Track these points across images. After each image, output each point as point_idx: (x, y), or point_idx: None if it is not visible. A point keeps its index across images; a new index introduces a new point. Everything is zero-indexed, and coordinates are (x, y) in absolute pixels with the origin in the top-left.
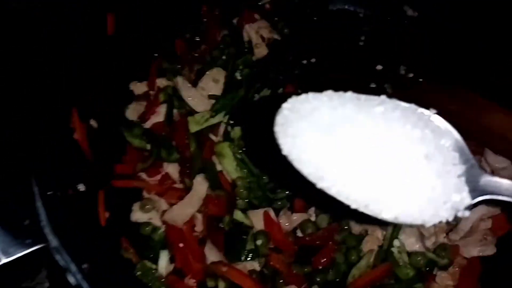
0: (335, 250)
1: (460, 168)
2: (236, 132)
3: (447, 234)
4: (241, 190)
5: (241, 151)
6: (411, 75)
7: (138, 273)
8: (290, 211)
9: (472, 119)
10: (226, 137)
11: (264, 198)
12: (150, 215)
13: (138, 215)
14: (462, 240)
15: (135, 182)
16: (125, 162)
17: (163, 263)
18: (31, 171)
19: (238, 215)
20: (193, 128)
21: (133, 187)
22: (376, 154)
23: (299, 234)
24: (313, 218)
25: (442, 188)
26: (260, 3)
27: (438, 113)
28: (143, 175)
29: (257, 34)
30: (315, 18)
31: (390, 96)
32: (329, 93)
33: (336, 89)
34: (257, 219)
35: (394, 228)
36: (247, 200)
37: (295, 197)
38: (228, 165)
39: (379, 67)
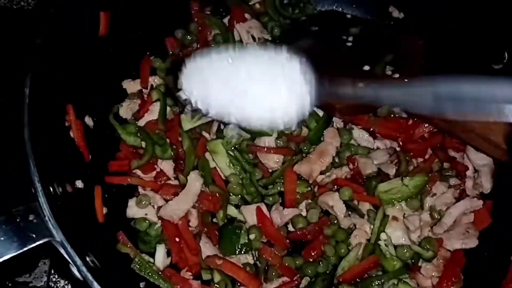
0: (325, 244)
1: (305, 86)
2: (229, 130)
3: (431, 228)
4: (234, 186)
5: (234, 148)
6: (397, 75)
7: (136, 266)
8: (282, 206)
9: (456, 119)
10: (219, 134)
11: (257, 194)
12: (146, 210)
13: (134, 211)
14: (446, 234)
15: (130, 179)
16: (119, 159)
17: (160, 257)
18: (33, 167)
19: (232, 210)
20: (186, 126)
21: (129, 184)
22: (250, 85)
23: (291, 228)
24: (304, 213)
25: (293, 102)
26: (250, 3)
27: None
28: (138, 172)
29: (248, 33)
30: (304, 18)
31: None
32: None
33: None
34: (249, 214)
35: (381, 222)
36: (240, 196)
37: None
38: (221, 162)
39: (366, 67)
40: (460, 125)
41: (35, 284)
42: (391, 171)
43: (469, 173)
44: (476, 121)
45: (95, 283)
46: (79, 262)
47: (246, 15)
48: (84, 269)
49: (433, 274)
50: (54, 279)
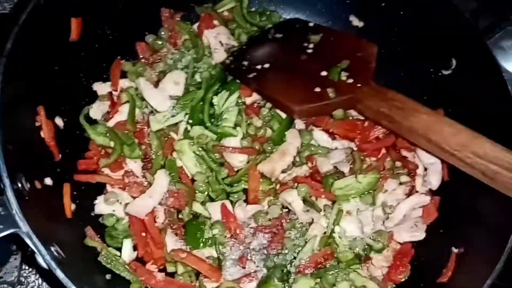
0: (285, 237)
1: None
2: (195, 130)
3: (383, 222)
4: (200, 184)
5: (200, 148)
6: (350, 80)
7: (103, 259)
8: (245, 203)
9: (399, 120)
10: (186, 135)
11: (222, 192)
12: (114, 207)
13: (102, 207)
14: (396, 227)
15: (98, 177)
16: (88, 158)
17: (126, 251)
18: (1, 164)
19: (197, 207)
20: (155, 126)
21: (97, 182)
22: None
23: (253, 223)
24: (265, 209)
25: None
26: (219, 11)
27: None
28: (107, 171)
29: (215, 39)
30: (269, 25)
31: None
32: None
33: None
34: (214, 211)
35: (337, 217)
36: (205, 194)
37: None
38: (188, 161)
39: (323, 73)
40: (405, 126)
41: (5, 279)
42: (346, 169)
43: (419, 171)
44: (419, 123)
45: (58, 271)
46: (43, 251)
47: (215, 22)
48: (48, 257)
49: (383, 264)
50: (24, 274)
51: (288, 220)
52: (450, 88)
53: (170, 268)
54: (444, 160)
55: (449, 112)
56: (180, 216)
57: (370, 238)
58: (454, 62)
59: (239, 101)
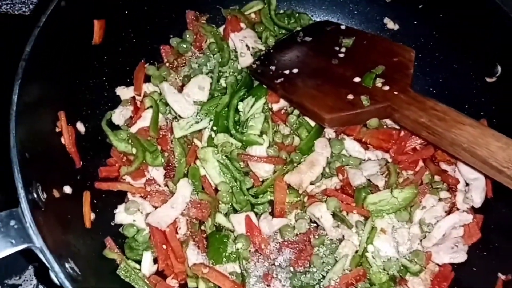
0: (312, 254)
1: None
2: (220, 138)
3: (420, 241)
4: (224, 195)
5: (224, 156)
6: (386, 87)
7: (122, 272)
8: (271, 216)
9: (441, 132)
10: (210, 142)
11: (246, 203)
12: (134, 217)
13: (122, 217)
14: (435, 247)
15: (119, 185)
16: (110, 165)
17: (146, 264)
18: (17, 173)
19: (220, 218)
20: (178, 133)
21: (118, 190)
22: None
23: (279, 238)
24: (293, 223)
25: None
26: (246, 13)
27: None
28: (128, 178)
29: (242, 43)
30: (298, 28)
31: None
32: None
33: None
34: (238, 223)
35: (370, 234)
36: (229, 205)
37: None
38: (212, 170)
39: (356, 79)
40: (447, 138)
41: (24, 287)
42: (381, 182)
43: (460, 186)
44: (463, 136)
45: None
46: (57, 268)
47: (241, 25)
48: (62, 276)
49: None
50: (42, 284)
51: (316, 236)
52: (494, 96)
53: (191, 284)
54: (490, 176)
55: (494, 123)
56: (202, 227)
57: (406, 258)
58: (499, 68)
59: (266, 107)
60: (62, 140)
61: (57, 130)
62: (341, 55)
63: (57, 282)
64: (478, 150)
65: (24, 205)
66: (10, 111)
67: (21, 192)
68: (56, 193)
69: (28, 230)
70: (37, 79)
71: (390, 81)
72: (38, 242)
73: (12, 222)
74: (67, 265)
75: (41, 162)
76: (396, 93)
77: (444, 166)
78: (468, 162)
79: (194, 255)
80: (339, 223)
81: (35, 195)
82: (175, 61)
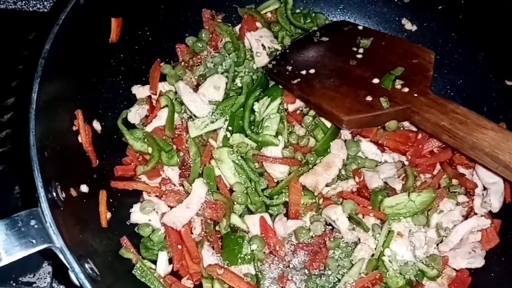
0: (328, 257)
1: None
2: (235, 138)
3: (437, 245)
4: (239, 195)
5: (240, 157)
6: (406, 89)
7: (137, 272)
8: (286, 217)
9: (462, 135)
10: (225, 142)
11: (261, 204)
12: (150, 216)
13: (137, 216)
14: (452, 252)
15: (135, 184)
16: (125, 164)
17: (162, 264)
18: (37, 172)
19: (235, 219)
20: (193, 133)
21: (134, 189)
22: None
23: (294, 240)
24: (308, 225)
25: None
26: (262, 12)
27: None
28: (144, 178)
29: (258, 42)
30: (315, 28)
31: None
32: None
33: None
34: (253, 224)
35: (386, 238)
36: (244, 206)
37: None
38: (227, 170)
39: (375, 80)
40: (468, 142)
41: (38, 285)
42: (398, 185)
43: (477, 191)
44: (485, 140)
45: None
46: (77, 269)
47: (258, 24)
48: (82, 276)
49: None
50: (57, 280)
51: (331, 239)
52: None
53: (207, 285)
54: (510, 181)
55: None
56: (217, 228)
57: (422, 262)
58: None
59: (281, 108)
60: (79, 138)
61: (74, 128)
62: (359, 56)
63: (77, 283)
64: (501, 154)
65: (44, 204)
66: (29, 109)
67: (41, 191)
68: (73, 192)
69: (48, 230)
70: (55, 77)
71: (410, 83)
72: (58, 242)
73: (33, 222)
74: (86, 265)
75: (59, 161)
76: (416, 95)
77: (462, 169)
78: (489, 166)
79: (208, 256)
80: (355, 226)
81: (54, 194)
82: (190, 60)
